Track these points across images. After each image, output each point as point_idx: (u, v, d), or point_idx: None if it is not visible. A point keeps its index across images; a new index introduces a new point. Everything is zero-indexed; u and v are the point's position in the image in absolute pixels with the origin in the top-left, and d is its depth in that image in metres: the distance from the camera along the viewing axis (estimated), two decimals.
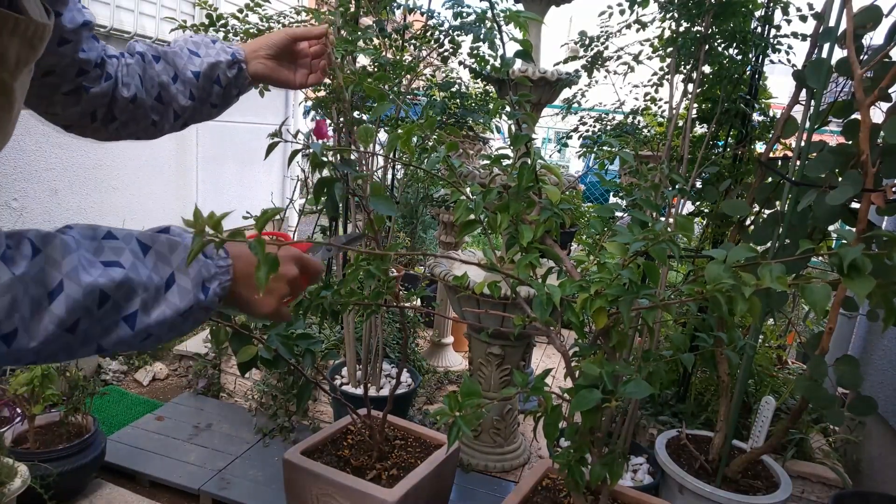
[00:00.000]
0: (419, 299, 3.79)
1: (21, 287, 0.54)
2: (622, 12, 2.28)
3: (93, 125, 0.97)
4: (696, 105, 2.25)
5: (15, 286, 0.54)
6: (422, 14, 2.53)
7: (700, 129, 2.51)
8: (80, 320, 0.58)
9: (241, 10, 2.56)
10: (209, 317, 0.72)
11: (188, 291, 0.66)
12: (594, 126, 2.77)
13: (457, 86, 2.99)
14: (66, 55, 0.86)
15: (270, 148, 1.15)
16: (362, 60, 2.56)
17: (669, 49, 2.22)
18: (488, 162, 1.25)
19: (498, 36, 1.21)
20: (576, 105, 2.83)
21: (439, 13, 2.55)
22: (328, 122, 2.57)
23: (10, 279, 0.54)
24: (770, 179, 1.94)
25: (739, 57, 2.19)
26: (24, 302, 0.55)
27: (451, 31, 2.46)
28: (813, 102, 1.71)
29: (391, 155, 2.87)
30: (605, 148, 2.59)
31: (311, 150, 1.12)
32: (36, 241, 0.57)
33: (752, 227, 2.06)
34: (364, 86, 1.13)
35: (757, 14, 2.18)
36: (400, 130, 1.03)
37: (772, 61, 2.26)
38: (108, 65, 0.95)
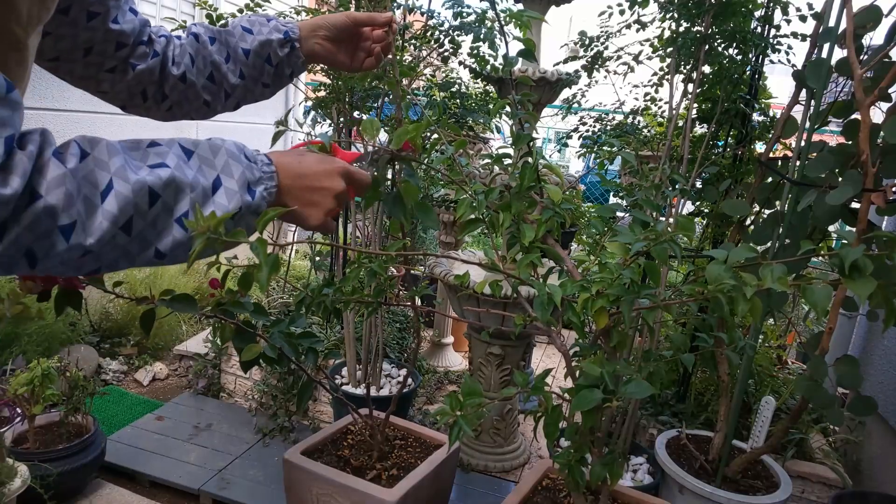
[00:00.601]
0: (419, 299, 3.79)
1: (73, 182, 0.56)
2: (622, 12, 2.28)
3: (145, 104, 0.98)
4: (696, 105, 2.26)
5: (68, 180, 0.55)
6: (422, 14, 2.53)
7: (700, 129, 2.51)
8: (133, 219, 0.59)
9: (240, 11, 2.56)
10: (257, 223, 0.72)
11: (235, 193, 0.67)
12: (594, 126, 2.77)
13: (457, 86, 2.99)
14: (98, 28, 0.86)
15: (276, 136, 1.14)
16: None
17: (669, 49, 2.23)
18: (489, 161, 1.26)
19: (499, 35, 1.21)
20: (576, 105, 2.83)
21: (439, 13, 2.55)
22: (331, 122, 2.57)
23: (62, 172, 0.55)
24: (770, 179, 1.94)
25: (739, 57, 2.19)
26: (78, 198, 0.56)
27: (451, 31, 2.46)
28: (813, 102, 1.71)
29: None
30: (605, 148, 2.59)
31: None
32: (83, 145, 0.58)
33: (752, 227, 2.06)
34: (386, 80, 1.13)
35: (757, 14, 2.18)
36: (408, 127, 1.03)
37: (772, 61, 2.26)
38: (157, 43, 0.96)
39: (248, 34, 0.99)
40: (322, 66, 2.54)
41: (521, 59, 1.23)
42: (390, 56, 1.06)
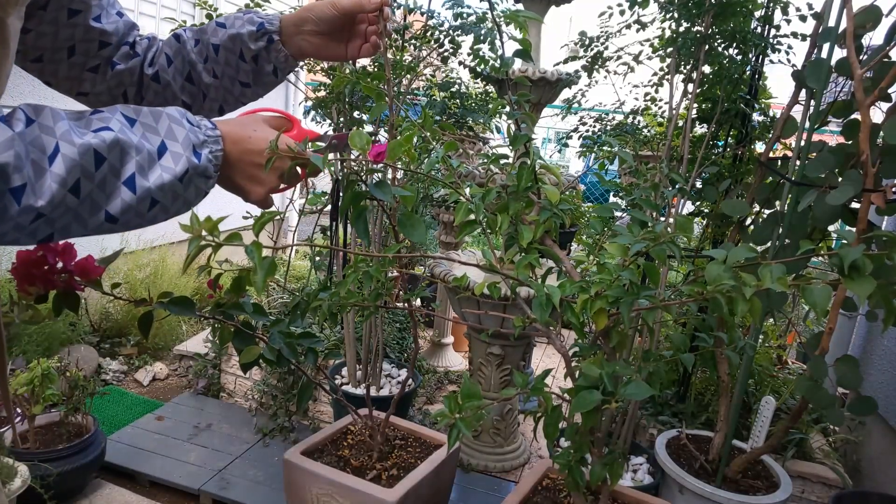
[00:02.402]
0: (419, 299, 3.79)
1: (21, 145, 0.57)
2: (622, 13, 2.28)
3: None
4: (696, 105, 2.25)
5: (16, 142, 0.57)
6: (422, 14, 2.53)
7: (700, 129, 2.51)
8: (81, 181, 0.60)
9: (240, 10, 2.55)
10: (210, 187, 0.73)
11: (180, 155, 0.68)
12: (594, 126, 2.77)
13: (457, 86, 2.99)
14: (79, 25, 0.86)
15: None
16: (362, 60, 2.56)
17: (669, 49, 2.22)
18: (486, 160, 1.25)
19: (498, 36, 1.21)
20: (576, 105, 2.83)
21: (439, 13, 2.55)
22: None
23: (10, 136, 0.57)
24: (770, 179, 1.94)
25: (739, 57, 2.19)
26: (26, 161, 0.57)
27: (451, 32, 2.46)
28: (813, 102, 1.71)
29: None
30: (604, 148, 2.59)
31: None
32: (27, 111, 0.60)
33: (752, 227, 2.06)
34: (363, 86, 1.12)
35: (757, 14, 2.18)
36: (399, 137, 1.01)
37: (772, 61, 2.26)
38: (139, 45, 0.95)
39: (220, 29, 0.94)
40: (322, 66, 2.54)
41: (519, 60, 1.22)
42: (383, 43, 0.97)
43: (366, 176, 1.06)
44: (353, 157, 1.01)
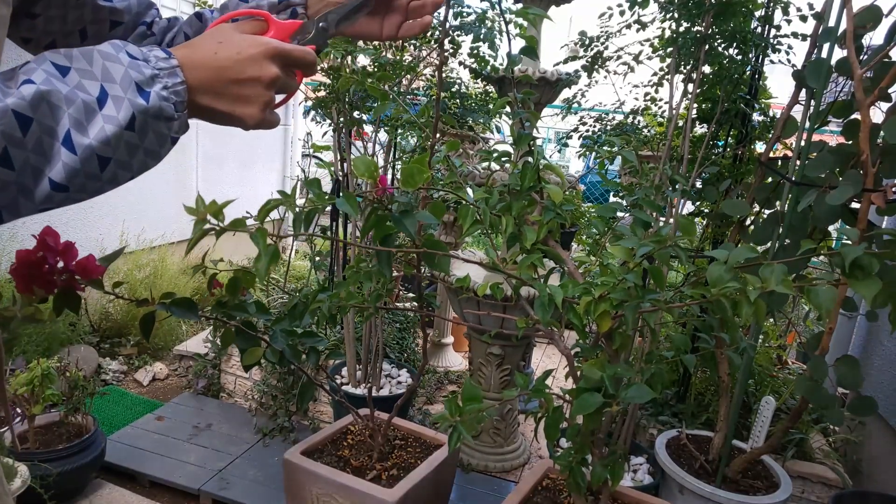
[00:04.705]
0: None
1: None
2: (622, 13, 2.28)
3: None
4: (696, 105, 2.25)
5: None
6: None
7: (700, 129, 2.51)
8: (9, 150, 0.52)
9: None
10: (180, 129, 0.62)
11: (121, 99, 0.57)
12: (594, 126, 2.77)
13: (457, 86, 2.99)
14: (87, 4, 0.82)
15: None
16: (362, 60, 2.56)
17: (669, 49, 2.22)
18: (486, 157, 1.25)
19: (501, 34, 1.20)
20: (576, 105, 2.83)
21: (439, 13, 2.54)
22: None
23: None
24: (770, 179, 1.94)
25: (739, 57, 2.19)
26: None
27: (451, 31, 2.46)
28: (813, 102, 1.71)
29: (391, 156, 2.86)
30: (605, 148, 2.59)
31: (312, 151, 1.09)
32: None
33: (752, 227, 2.06)
34: (367, 85, 1.12)
35: (757, 14, 2.18)
36: (412, 159, 0.97)
37: (772, 61, 2.26)
38: (156, 25, 0.89)
39: (242, 3, 0.85)
40: (322, 66, 2.54)
41: (522, 58, 1.22)
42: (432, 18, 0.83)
43: (387, 202, 1.02)
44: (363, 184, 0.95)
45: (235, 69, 0.64)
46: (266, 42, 0.65)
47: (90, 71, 0.57)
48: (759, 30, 2.22)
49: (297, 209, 0.99)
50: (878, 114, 1.61)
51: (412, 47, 2.61)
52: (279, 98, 0.69)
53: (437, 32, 2.51)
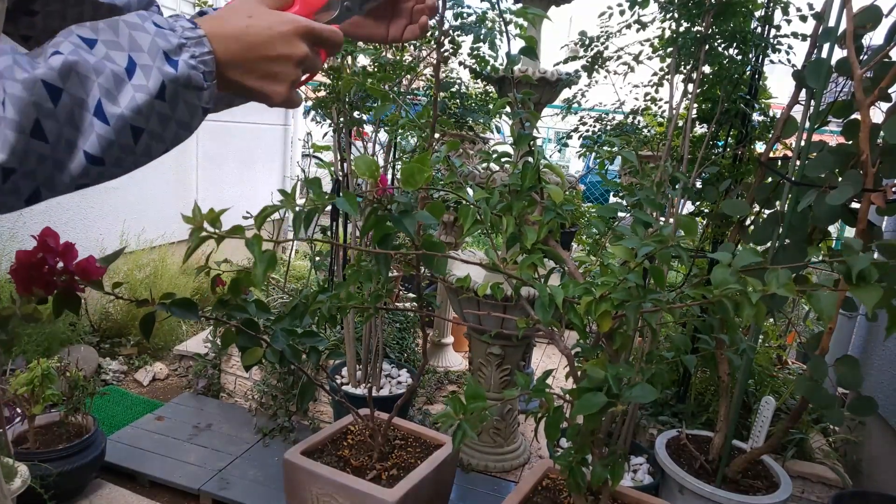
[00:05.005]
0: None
1: None
2: (622, 13, 2.28)
3: None
4: (696, 105, 2.25)
5: None
6: None
7: (700, 129, 2.51)
8: (41, 121, 0.52)
9: None
10: (210, 100, 0.61)
11: (150, 67, 0.57)
12: (594, 126, 2.77)
13: (457, 86, 2.99)
14: (86, 0, 0.80)
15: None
16: (362, 60, 2.56)
17: (669, 49, 2.22)
18: (486, 156, 1.25)
19: (501, 34, 1.20)
20: (576, 105, 2.83)
21: (439, 13, 2.54)
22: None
23: None
24: (770, 179, 1.94)
25: (739, 57, 2.19)
26: None
27: (451, 32, 2.46)
28: (813, 102, 1.71)
29: (391, 156, 2.86)
30: (605, 148, 2.59)
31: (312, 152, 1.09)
32: None
33: (752, 227, 2.06)
34: (366, 85, 1.11)
35: (757, 14, 2.18)
36: (412, 160, 0.97)
37: (772, 61, 2.26)
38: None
39: None
40: (322, 66, 2.54)
41: (522, 58, 1.22)
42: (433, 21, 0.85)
43: (387, 202, 1.02)
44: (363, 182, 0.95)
45: (267, 45, 0.63)
46: (297, 20, 0.65)
47: (116, 42, 0.56)
48: (759, 30, 2.22)
49: (297, 209, 0.99)
50: (878, 114, 1.61)
51: (412, 47, 2.61)
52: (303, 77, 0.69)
53: (437, 32, 2.51)
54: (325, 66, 2.49)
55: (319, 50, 0.68)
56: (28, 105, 0.51)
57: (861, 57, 1.61)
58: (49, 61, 0.53)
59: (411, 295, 3.48)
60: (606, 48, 2.48)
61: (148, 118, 0.57)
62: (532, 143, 1.18)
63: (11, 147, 0.50)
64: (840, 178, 1.59)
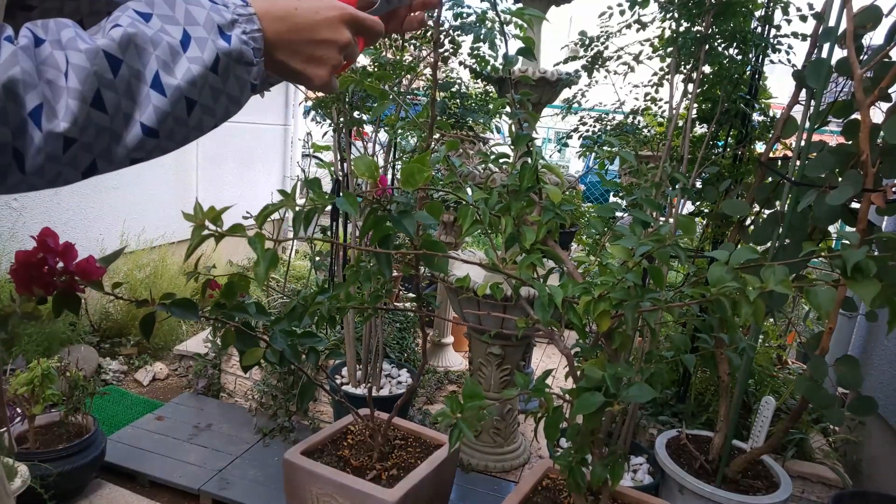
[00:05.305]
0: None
1: (28, 61, 0.50)
2: (622, 13, 2.28)
3: None
4: (696, 105, 2.25)
5: (21, 57, 0.50)
6: None
7: (700, 129, 2.51)
8: (102, 92, 0.53)
9: None
10: (258, 76, 0.62)
11: (205, 40, 0.58)
12: (594, 126, 2.77)
13: (457, 86, 2.99)
14: None
15: None
16: (362, 60, 2.56)
17: (669, 49, 2.23)
18: (485, 157, 1.25)
19: (500, 34, 1.21)
20: (576, 105, 2.83)
21: (435, 13, 2.54)
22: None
23: (13, 50, 0.50)
24: (770, 179, 1.94)
25: (739, 57, 2.19)
26: (40, 80, 0.51)
27: (451, 32, 2.46)
28: (813, 102, 1.71)
29: (391, 156, 2.86)
30: (605, 148, 2.59)
31: (312, 151, 1.09)
32: (33, 29, 0.53)
33: (752, 227, 2.06)
34: (365, 84, 1.11)
35: (757, 14, 2.18)
36: (412, 159, 0.97)
37: (772, 61, 2.26)
38: None
39: None
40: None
41: (521, 59, 1.22)
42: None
43: (386, 202, 1.02)
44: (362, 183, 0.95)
45: (313, 29, 0.64)
46: (343, 7, 0.66)
47: (171, 16, 0.58)
48: (759, 30, 2.22)
49: (297, 208, 0.99)
50: (878, 114, 1.61)
51: (412, 47, 2.61)
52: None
53: (433, 31, 2.51)
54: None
55: (358, 38, 0.69)
56: (90, 75, 0.52)
57: (861, 57, 1.61)
58: (110, 33, 0.54)
59: (411, 295, 3.49)
60: (606, 48, 2.48)
61: (201, 90, 0.58)
62: (530, 143, 1.18)
63: (74, 116, 0.51)
64: (840, 178, 1.59)
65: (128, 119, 0.55)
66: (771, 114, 2.40)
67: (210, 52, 0.58)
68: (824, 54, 1.66)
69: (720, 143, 2.42)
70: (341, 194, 1.00)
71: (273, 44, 0.63)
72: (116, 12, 0.57)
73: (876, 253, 0.84)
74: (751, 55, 2.21)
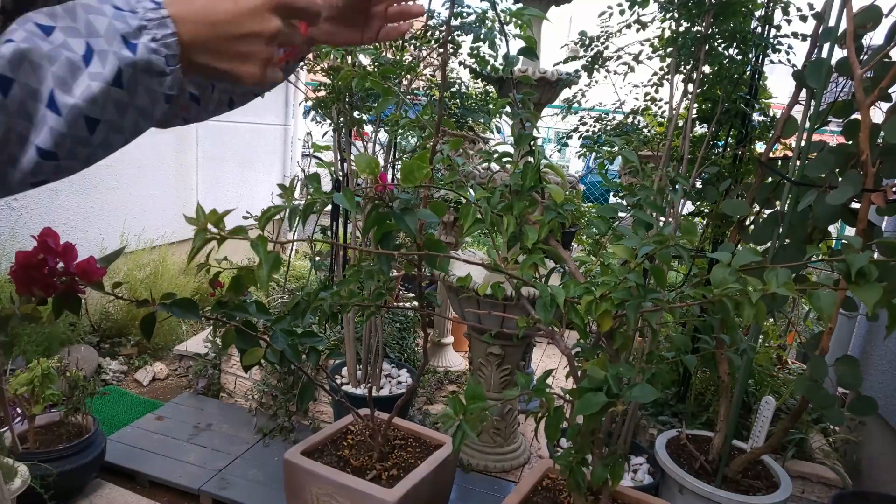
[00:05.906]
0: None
1: None
2: (622, 12, 2.28)
3: None
4: (696, 105, 2.25)
5: None
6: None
7: (700, 129, 2.51)
8: None
9: None
10: (173, 86, 0.57)
11: (106, 52, 0.53)
12: (594, 126, 2.77)
13: (457, 86, 2.99)
14: None
15: None
16: (362, 60, 2.56)
17: (669, 49, 2.23)
18: (487, 156, 1.25)
19: (500, 34, 1.21)
20: (576, 105, 2.83)
21: (439, 13, 2.55)
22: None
23: None
24: (770, 179, 1.94)
25: (739, 57, 2.19)
26: None
27: (451, 32, 2.46)
28: (813, 102, 1.71)
29: (391, 156, 2.86)
30: (605, 148, 2.59)
31: (312, 150, 1.09)
32: None
33: (752, 227, 2.06)
34: (370, 80, 1.11)
35: (757, 14, 2.18)
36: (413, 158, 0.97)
37: (772, 61, 2.26)
38: None
39: None
40: (322, 66, 2.54)
41: (521, 58, 1.22)
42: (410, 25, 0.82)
43: (388, 199, 1.02)
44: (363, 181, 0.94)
45: (233, 23, 0.59)
46: None
47: (74, 27, 0.53)
48: (759, 30, 2.22)
49: (294, 202, 0.99)
50: (878, 114, 1.61)
51: (412, 47, 2.61)
52: (283, 53, 0.65)
53: (438, 32, 2.51)
54: (326, 65, 2.49)
55: (298, 23, 0.64)
56: None
57: (861, 57, 1.61)
58: (0, 49, 0.49)
59: (411, 295, 3.49)
60: (606, 48, 2.48)
61: (104, 108, 0.53)
62: (533, 142, 1.18)
63: None
64: (840, 178, 1.59)
65: (23, 141, 0.51)
66: (771, 114, 2.40)
67: (111, 66, 0.53)
68: (824, 54, 1.66)
69: (720, 143, 2.42)
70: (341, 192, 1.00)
71: (191, 47, 0.58)
72: (13, 25, 0.52)
73: (877, 256, 0.84)
74: (751, 55, 2.21)
